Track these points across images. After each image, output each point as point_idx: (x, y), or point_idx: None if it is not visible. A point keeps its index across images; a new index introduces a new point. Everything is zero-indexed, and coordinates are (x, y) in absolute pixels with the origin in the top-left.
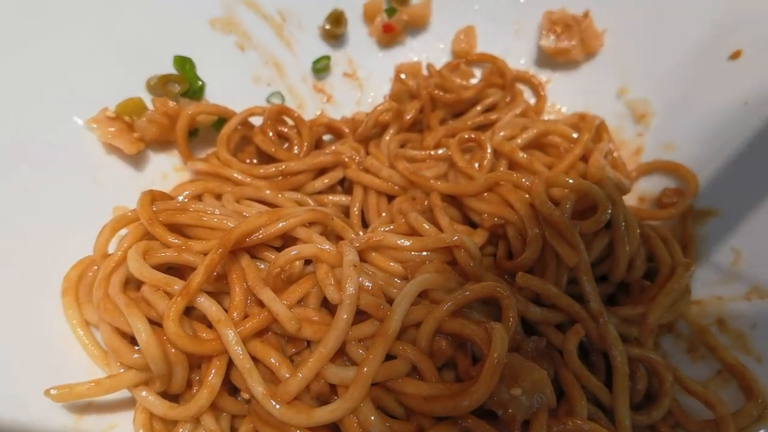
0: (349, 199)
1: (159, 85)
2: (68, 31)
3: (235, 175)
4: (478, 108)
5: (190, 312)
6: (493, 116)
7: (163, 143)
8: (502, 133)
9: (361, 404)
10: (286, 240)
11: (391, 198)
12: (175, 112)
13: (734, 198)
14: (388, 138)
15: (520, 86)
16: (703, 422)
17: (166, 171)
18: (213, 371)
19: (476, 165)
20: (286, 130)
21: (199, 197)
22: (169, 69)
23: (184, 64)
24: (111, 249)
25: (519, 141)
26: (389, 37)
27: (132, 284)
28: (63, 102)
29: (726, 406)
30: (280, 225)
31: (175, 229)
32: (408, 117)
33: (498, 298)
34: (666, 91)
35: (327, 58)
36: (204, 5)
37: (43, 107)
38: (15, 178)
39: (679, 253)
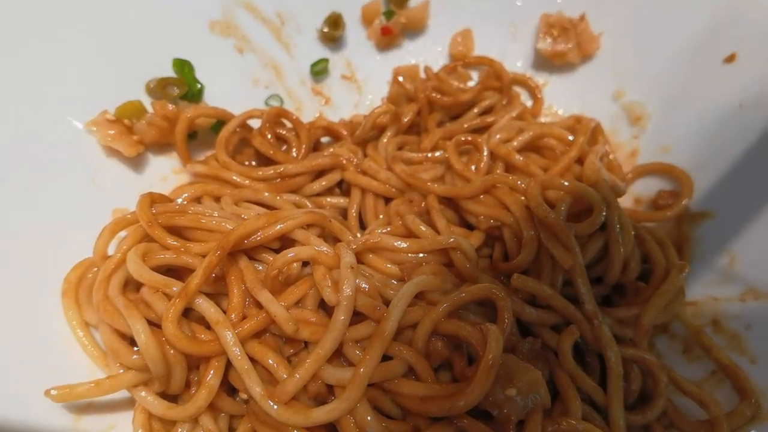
0: (347, 201)
1: (158, 88)
2: (68, 33)
3: (234, 177)
4: (475, 110)
5: (188, 313)
6: (489, 119)
7: (162, 146)
8: (498, 136)
9: (357, 405)
10: (284, 242)
11: (388, 200)
12: (175, 115)
13: (729, 200)
14: (385, 140)
15: (517, 89)
16: (698, 422)
17: (166, 173)
18: (211, 372)
19: (473, 167)
20: (284, 132)
21: (198, 199)
22: (169, 72)
23: (183, 67)
24: (110, 251)
25: (515, 144)
26: (387, 39)
27: (131, 286)
28: (62, 105)
29: (720, 407)
30: (278, 227)
31: (174, 231)
32: (405, 119)
33: (494, 300)
34: (662, 94)
35: (325, 60)
36: (203, 8)
37: (43, 110)
38: (15, 179)
39: (673, 254)
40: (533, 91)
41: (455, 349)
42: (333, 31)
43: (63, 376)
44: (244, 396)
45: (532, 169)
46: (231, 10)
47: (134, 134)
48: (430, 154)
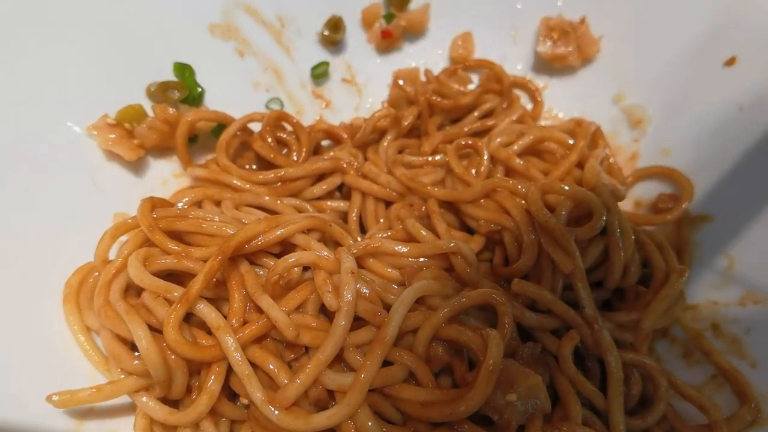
0: (348, 204)
1: (159, 92)
2: (68, 36)
3: (235, 181)
4: (476, 114)
5: (189, 318)
6: (490, 122)
7: (163, 149)
8: (498, 140)
9: (358, 410)
10: (285, 246)
11: (389, 204)
12: (175, 119)
13: (729, 203)
14: (386, 144)
15: (517, 92)
16: (698, 427)
17: (166, 177)
18: (212, 377)
19: (473, 171)
20: (285, 135)
21: (198, 204)
22: (169, 76)
23: (183, 70)
24: (111, 255)
25: (515, 147)
26: (387, 42)
27: (132, 291)
28: (63, 108)
29: (720, 411)
30: (279, 232)
31: (175, 236)
32: (406, 123)
33: (494, 305)
34: (662, 97)
35: (326, 63)
36: (203, 11)
37: (44, 113)
38: (16, 182)
39: (673, 258)
40: (533, 95)
41: (456, 354)
42: (333, 35)
43: (64, 381)
44: (245, 401)
45: (533, 173)
46: (231, 13)
47: (135, 138)
48: (430, 158)
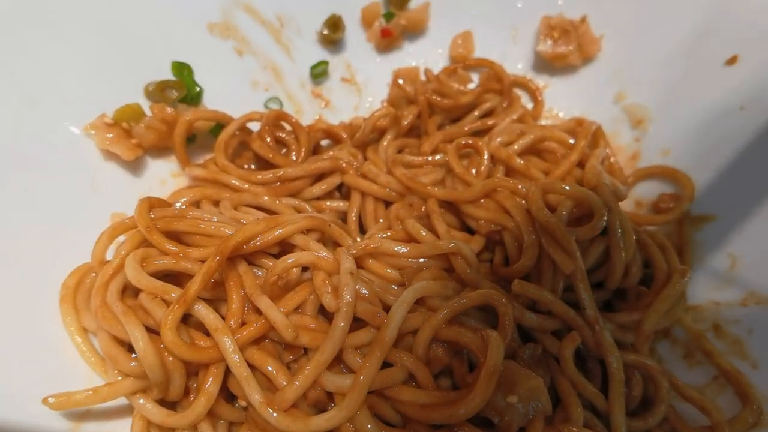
0: (347, 204)
1: (157, 91)
2: (66, 37)
3: (233, 181)
4: (476, 113)
5: (187, 319)
6: (490, 121)
7: (161, 149)
8: (499, 139)
9: (357, 412)
10: (284, 247)
11: (388, 204)
12: (173, 118)
13: (731, 203)
14: (385, 143)
15: (518, 91)
16: (699, 429)
17: (164, 177)
18: (210, 379)
19: (473, 171)
20: (284, 135)
21: (197, 203)
22: (167, 75)
23: (182, 70)
24: (109, 256)
25: (516, 147)
26: (387, 42)
27: (130, 291)
28: (60, 108)
29: (722, 413)
30: (277, 232)
31: (173, 236)
32: (405, 122)
33: (494, 306)
34: (663, 96)
35: (325, 63)
36: (202, 10)
37: (41, 113)
38: (13, 182)
39: (675, 259)
40: (534, 94)
41: (456, 355)
42: (333, 34)
43: (61, 383)
44: (244, 403)
45: (533, 172)
46: (230, 12)
47: (133, 138)
48: (430, 158)
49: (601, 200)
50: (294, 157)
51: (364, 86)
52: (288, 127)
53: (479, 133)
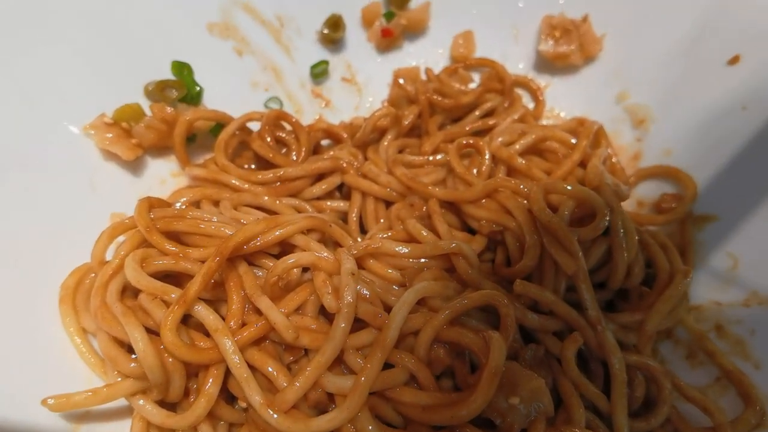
0: (347, 204)
1: (157, 91)
2: (65, 36)
3: (233, 181)
4: (477, 113)
5: (187, 320)
6: (491, 121)
7: (160, 149)
8: (500, 139)
9: (358, 414)
10: (284, 247)
11: (389, 204)
12: (173, 118)
13: (733, 203)
14: (386, 143)
15: (519, 91)
16: (702, 429)
17: (164, 177)
18: (210, 380)
19: (474, 171)
20: (284, 135)
21: (197, 203)
22: (167, 74)
23: (182, 69)
24: (108, 256)
25: (517, 147)
26: (388, 41)
27: (129, 292)
28: (60, 108)
29: (724, 414)
30: (278, 233)
31: (173, 236)
32: (406, 122)
33: (496, 306)
34: (665, 96)
35: (325, 62)
36: (202, 10)
37: (40, 113)
38: (12, 182)
39: (677, 259)
40: (535, 94)
41: (457, 356)
42: (333, 33)
43: (61, 384)
44: (244, 404)
45: (535, 172)
46: (230, 12)
47: (132, 137)
48: (431, 158)
49: (603, 200)
50: (294, 157)
51: (364, 86)
52: (288, 127)
53: (480, 133)
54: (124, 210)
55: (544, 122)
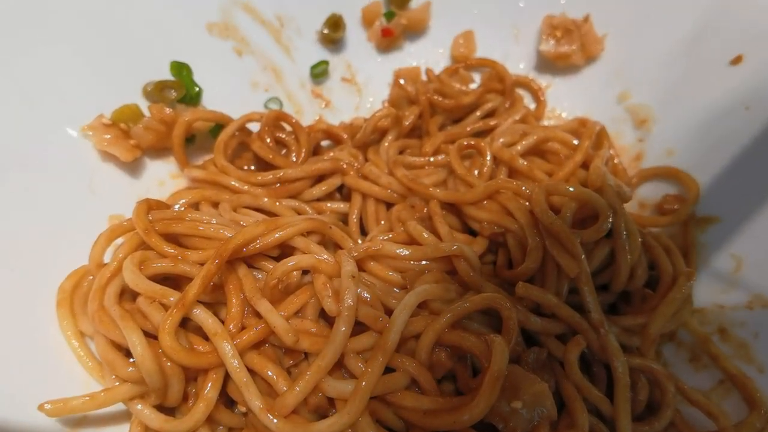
0: (348, 206)
1: (155, 92)
2: (64, 37)
3: (233, 182)
4: (478, 113)
5: (186, 323)
6: (492, 122)
7: (159, 150)
8: (501, 140)
9: (359, 418)
10: (284, 249)
11: (390, 205)
12: (172, 119)
13: (736, 204)
14: (386, 144)
15: (520, 91)
16: None
17: (163, 178)
18: (209, 384)
19: (476, 172)
20: (284, 136)
21: (195, 205)
22: (166, 75)
23: (181, 69)
24: (107, 259)
25: (519, 148)
26: (388, 41)
27: (128, 295)
28: (58, 109)
29: (728, 418)
30: (277, 235)
31: (172, 238)
32: (407, 123)
33: (498, 310)
34: (667, 96)
35: (325, 63)
36: (201, 10)
37: (38, 114)
38: (9, 184)
39: (681, 262)
40: (536, 94)
41: (459, 360)
42: (333, 33)
43: (59, 388)
44: (243, 408)
45: (536, 174)
46: (229, 12)
47: (131, 138)
48: (432, 159)
49: (606, 202)
50: (294, 158)
51: (364, 86)
52: (288, 128)
53: (481, 134)
54: (122, 212)
55: (546, 123)
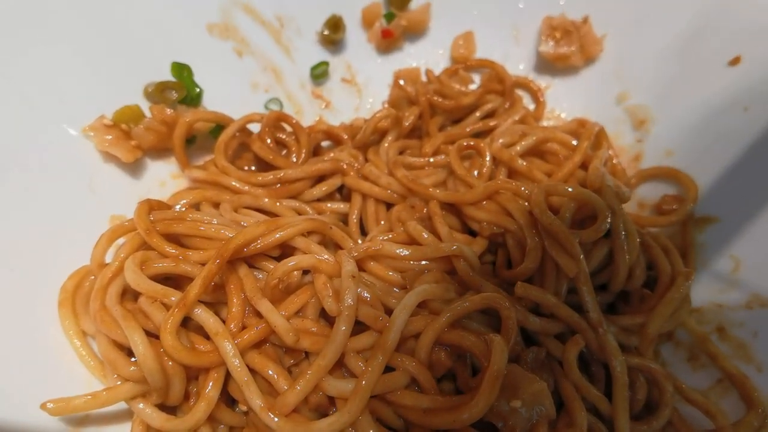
0: (348, 206)
1: (156, 92)
2: (65, 37)
3: (233, 183)
4: (477, 114)
5: (187, 323)
6: (492, 123)
7: (160, 151)
8: (501, 140)
9: (359, 417)
10: (285, 249)
11: (389, 205)
12: (173, 120)
13: (734, 205)
14: (386, 145)
15: (520, 92)
16: None
17: (164, 179)
18: (210, 383)
19: (475, 172)
20: (284, 136)
21: (196, 206)
22: (167, 76)
23: (181, 70)
24: (108, 259)
25: (518, 148)
26: (388, 42)
27: (129, 295)
28: (59, 110)
29: (726, 417)
30: (278, 235)
31: (173, 238)
32: (407, 123)
33: (498, 309)
34: (665, 97)
35: (325, 63)
36: (201, 11)
37: (40, 115)
38: (10, 185)
39: (679, 261)
40: (536, 95)
41: (459, 359)
42: (333, 34)
43: (60, 387)
44: (244, 407)
45: (536, 174)
46: (229, 13)
47: (132, 139)
48: (431, 159)
49: (605, 202)
50: (294, 159)
51: (364, 87)
52: (288, 129)
53: (481, 135)
54: (123, 212)
55: (545, 123)
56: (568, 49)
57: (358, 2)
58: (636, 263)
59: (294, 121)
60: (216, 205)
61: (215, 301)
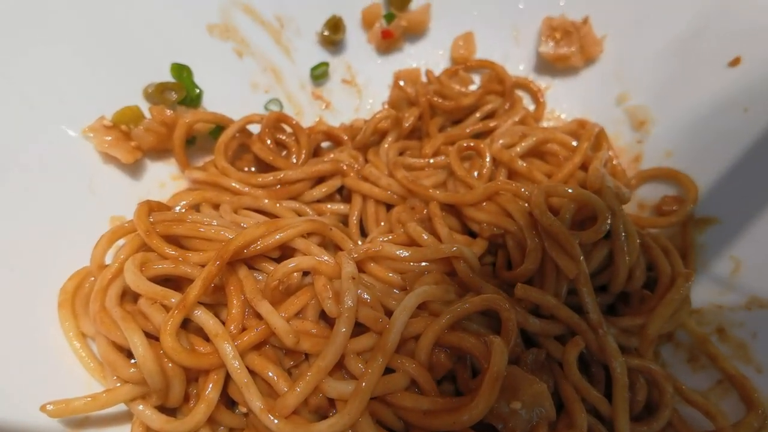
0: (348, 207)
1: (156, 93)
2: (65, 38)
3: (233, 184)
4: (477, 115)
5: (187, 324)
6: (492, 123)
7: (160, 152)
8: (501, 141)
9: (359, 419)
10: (285, 250)
11: (390, 207)
12: (173, 121)
13: (734, 206)
14: (387, 145)
15: (520, 93)
16: None
17: (164, 180)
18: (210, 385)
19: (475, 173)
20: (284, 137)
21: (196, 207)
22: (167, 77)
23: (181, 71)
24: (108, 260)
25: (518, 149)
26: (388, 43)
27: (129, 296)
28: (59, 111)
29: (726, 418)
30: (278, 236)
31: (173, 240)
32: (407, 124)
33: (497, 311)
34: (665, 98)
35: (325, 64)
36: (201, 11)
37: (39, 116)
38: (10, 186)
39: (679, 263)
40: (536, 95)
41: (459, 360)
42: (333, 35)
43: (60, 388)
44: (244, 409)
45: (536, 175)
46: (229, 13)
47: (132, 140)
48: (431, 160)
49: (605, 203)
50: (294, 160)
51: (364, 88)
52: (288, 129)
53: (481, 135)
54: (123, 213)
55: (545, 124)
56: (568, 49)
57: (358, 3)
58: (636, 264)
59: (294, 122)
60: (216, 207)
61: (215, 302)
